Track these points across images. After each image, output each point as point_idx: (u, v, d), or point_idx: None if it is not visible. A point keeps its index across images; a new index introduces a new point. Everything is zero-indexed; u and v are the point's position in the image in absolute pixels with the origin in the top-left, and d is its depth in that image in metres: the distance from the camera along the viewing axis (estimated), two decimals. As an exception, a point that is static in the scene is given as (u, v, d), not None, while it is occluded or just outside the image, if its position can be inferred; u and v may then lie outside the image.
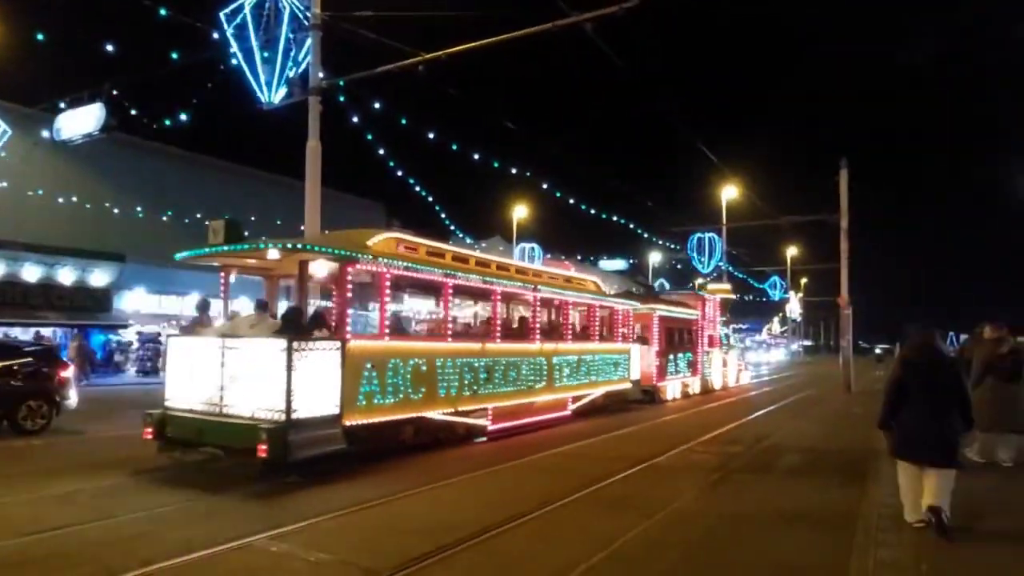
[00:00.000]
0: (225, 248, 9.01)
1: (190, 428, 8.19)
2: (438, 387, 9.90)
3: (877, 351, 62.22)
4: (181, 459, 8.41)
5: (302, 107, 13.79)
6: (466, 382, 10.50)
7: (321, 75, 13.67)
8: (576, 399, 14.06)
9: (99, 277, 26.58)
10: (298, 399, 7.57)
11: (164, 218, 28.07)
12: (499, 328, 11.62)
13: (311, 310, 9.59)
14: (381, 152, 21.05)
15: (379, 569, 4.78)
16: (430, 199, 28.23)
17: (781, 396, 22.22)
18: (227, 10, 14.03)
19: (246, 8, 13.88)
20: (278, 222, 30.14)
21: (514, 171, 23.55)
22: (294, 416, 7.51)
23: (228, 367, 8.00)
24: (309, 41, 13.64)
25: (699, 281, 31.76)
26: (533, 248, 45.75)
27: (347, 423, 8.22)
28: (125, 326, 27.11)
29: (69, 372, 12.36)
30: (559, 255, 55.63)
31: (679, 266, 51.10)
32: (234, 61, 14.09)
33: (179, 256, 10.06)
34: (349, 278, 8.78)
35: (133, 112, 18.34)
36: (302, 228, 14.06)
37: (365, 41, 13.13)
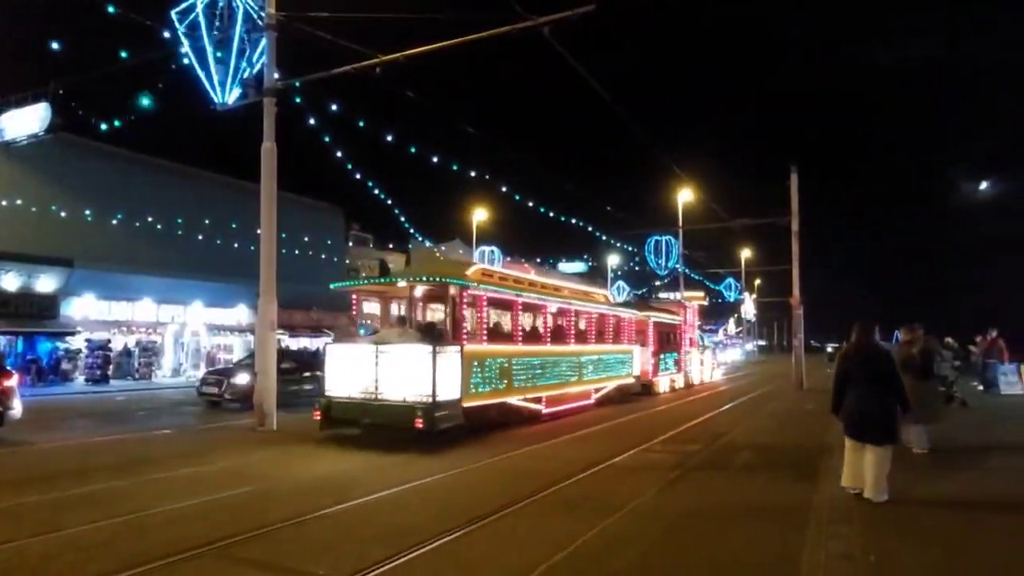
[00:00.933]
0: (381, 280, 14.07)
1: (352, 410, 11.29)
2: (513, 380, 13.01)
3: (828, 350, 63.91)
4: (340, 433, 11.44)
5: (257, 108, 13.55)
6: (529, 376, 13.59)
7: (276, 76, 13.47)
8: (597, 390, 17.18)
9: (45, 283, 25.69)
10: (438, 387, 10.55)
11: (114, 221, 27.24)
12: (548, 334, 14.75)
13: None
14: (339, 155, 20.84)
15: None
16: (389, 202, 28.05)
17: (739, 394, 22.73)
18: (178, 9, 13.72)
19: (198, 7, 13.60)
20: (233, 225, 29.62)
21: (473, 174, 23.59)
22: (437, 399, 10.50)
23: (381, 366, 10.99)
24: (264, 41, 13.44)
25: (673, 294, 34.34)
26: (493, 251, 45.75)
27: (464, 405, 11.25)
28: (73, 333, 26.23)
29: (13, 381, 11.90)
30: (519, 258, 55.83)
31: (636, 268, 51.72)
32: (186, 61, 13.80)
33: (334, 285, 13.76)
34: (464, 299, 11.97)
35: (80, 112, 17.80)
36: (258, 232, 13.81)
37: (322, 42, 13.01)
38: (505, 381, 12.64)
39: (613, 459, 9.49)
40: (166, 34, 13.77)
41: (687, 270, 41.57)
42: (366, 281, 14.82)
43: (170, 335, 30.23)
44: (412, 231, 37.69)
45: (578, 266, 65.12)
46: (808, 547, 5.29)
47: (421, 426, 10.39)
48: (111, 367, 26.12)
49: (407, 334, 11.98)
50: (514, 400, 13.20)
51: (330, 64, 13.47)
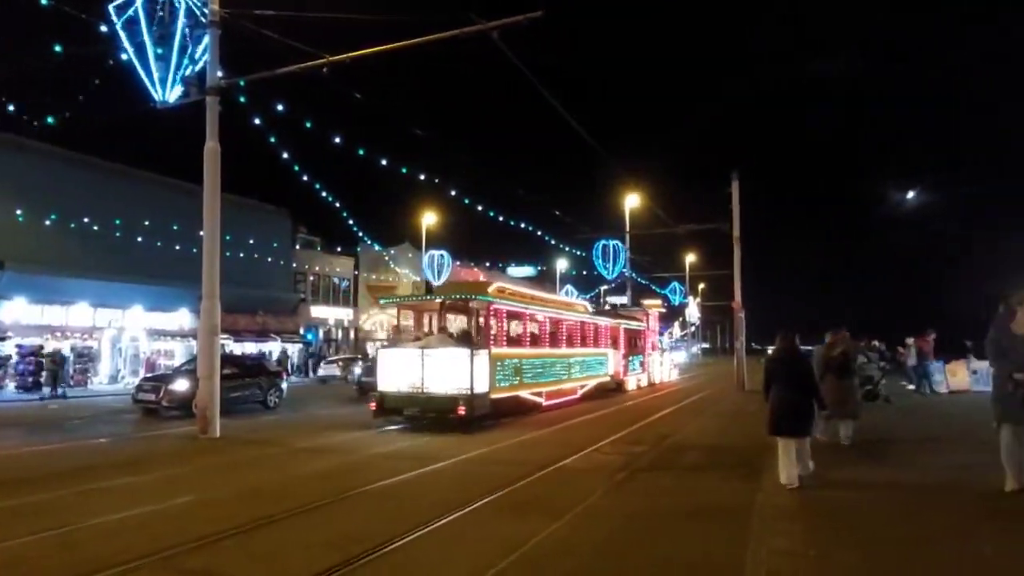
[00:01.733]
0: (428, 298, 16.92)
1: (401, 401, 14.00)
2: (524, 377, 15.80)
3: (769, 352, 65.57)
4: (391, 420, 14.32)
5: (200, 107, 13.21)
6: (534, 374, 16.43)
7: (220, 74, 13.16)
8: (582, 387, 20.04)
9: (-29, 286, 24.45)
10: (475, 382, 13.24)
11: (47, 223, 26.04)
12: (547, 340, 17.94)
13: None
14: (285, 156, 20.40)
15: None
16: (337, 205, 27.62)
17: (684, 396, 23.20)
18: (116, 3, 13.22)
19: (137, 2, 13.15)
20: (174, 227, 28.71)
21: (423, 177, 23.42)
22: (474, 391, 13.19)
23: (427, 365, 13.62)
24: (207, 39, 13.11)
25: (622, 299, 36.55)
26: (442, 255, 45.49)
27: (491, 397, 14.00)
28: (3, 339, 25.00)
29: None
30: (469, 262, 55.76)
31: (585, 272, 52.21)
32: (125, 57, 13.31)
33: (383, 301, 18.46)
34: (488, 312, 14.74)
35: (11, 109, 16.97)
36: (201, 234, 13.46)
37: (268, 41, 12.76)
38: (518, 378, 15.61)
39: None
40: (103, 28, 13.23)
41: (634, 275, 42.22)
42: (412, 298, 19.28)
43: (107, 340, 29.10)
44: (361, 234, 37.19)
45: (527, 270, 65.30)
46: (752, 544, 5.43)
47: (463, 413, 13.07)
48: (44, 374, 24.96)
49: (445, 340, 14.74)
50: (524, 394, 16.11)
51: (276, 63, 13.23)
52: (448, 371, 13.53)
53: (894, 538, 5.58)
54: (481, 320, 15.39)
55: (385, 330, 48.32)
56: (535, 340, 17.54)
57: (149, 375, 21.59)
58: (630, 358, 25.35)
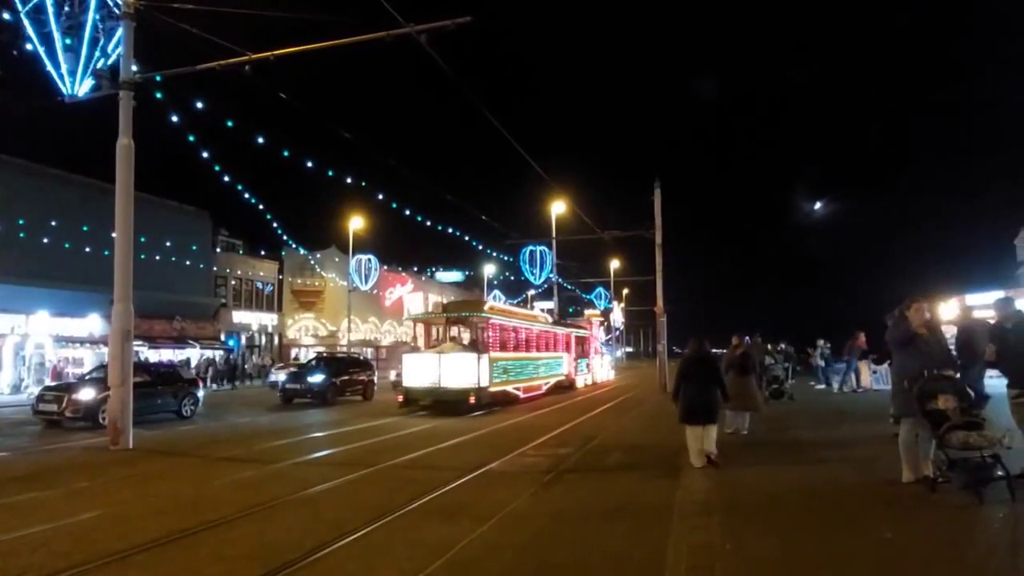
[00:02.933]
0: (440, 314, 21.54)
1: (423, 394, 18.37)
2: (509, 375, 20.61)
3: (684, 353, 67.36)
4: (414, 410, 18.31)
5: (113, 102, 12.58)
6: (516, 373, 21.30)
7: (134, 68, 12.59)
8: (545, 384, 24.40)
9: None
10: (476, 379, 17.73)
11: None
12: (523, 345, 22.63)
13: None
14: (205, 156, 19.72)
15: None
16: (260, 207, 26.89)
17: (609, 398, 23.73)
18: (21, -11, 12.50)
19: (44, -11, 12.46)
20: (84, 228, 27.29)
21: (349, 181, 23.11)
22: (480, 386, 17.71)
23: (443, 366, 18.07)
24: (120, 31, 12.53)
25: (548, 303, 40.40)
26: (370, 259, 44.94)
27: (490, 391, 18.57)
28: None
29: None
30: (396, 267, 55.22)
31: (512, 277, 52.53)
32: (30, 47, 12.57)
33: (407, 318, 29.40)
34: (484, 325, 19.67)
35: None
36: (113, 235, 12.83)
37: (187, 36, 12.30)
38: (507, 376, 20.41)
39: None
40: (6, 16, 12.45)
41: (561, 280, 42.77)
42: (428, 314, 25.07)
43: (9, 347, 27.31)
44: (285, 238, 36.32)
45: (455, 275, 65.18)
46: (672, 540, 5.60)
47: (473, 402, 17.77)
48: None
49: (456, 346, 19.49)
50: (510, 388, 20.86)
51: (197, 60, 12.76)
52: (460, 370, 18.06)
53: (805, 527, 5.87)
54: (480, 331, 19.94)
55: (310, 335, 47.24)
56: (516, 346, 21.97)
57: (50, 384, 20.36)
58: (579, 360, 29.85)
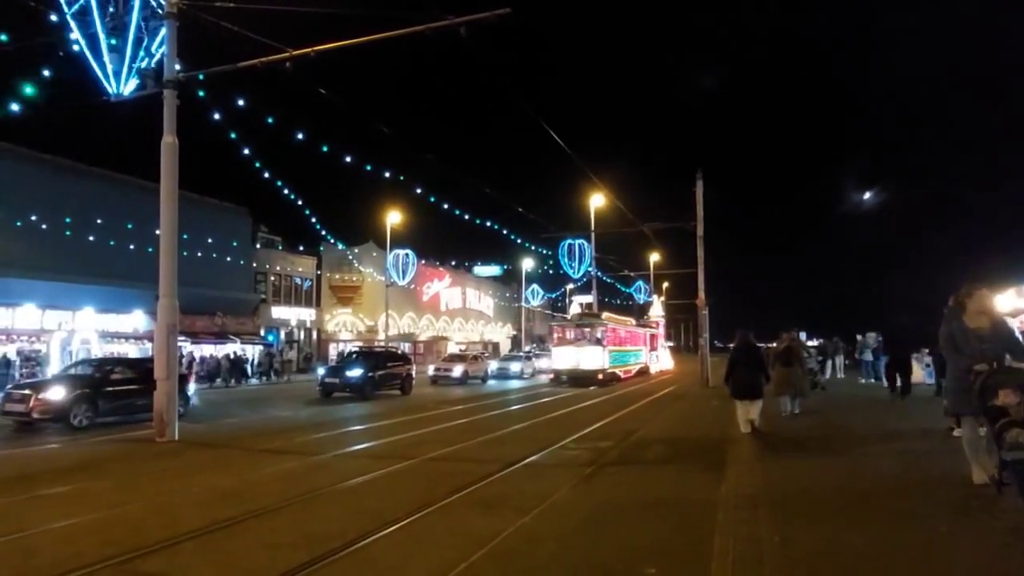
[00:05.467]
0: (576, 321, 31.81)
1: (567, 373, 28.69)
2: (617, 362, 30.53)
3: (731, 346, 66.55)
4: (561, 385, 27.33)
5: (157, 101, 12.82)
6: (620, 360, 31.28)
7: (178, 67, 12.79)
8: (635, 369, 34.54)
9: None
10: (602, 364, 28.35)
11: (-8, 221, 25.11)
12: (623, 341, 32.69)
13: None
14: (246, 153, 20.02)
15: None
16: (299, 203, 27.22)
17: (650, 392, 23.52)
18: (66, -9, 12.76)
19: (89, -9, 12.70)
20: (129, 226, 27.95)
21: (387, 175, 23.23)
22: (603, 367, 28.38)
23: (581, 353, 28.67)
24: (164, 30, 12.74)
25: (587, 297, 46.22)
26: (407, 254, 45.22)
27: (608, 371, 28.68)
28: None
29: None
30: (434, 261, 55.48)
31: (551, 271, 52.38)
32: (76, 48, 12.85)
33: (553, 323, 37.82)
34: (603, 327, 29.77)
35: (-47, 101, 16.25)
36: (157, 232, 13.08)
37: (229, 34, 12.46)
38: (616, 362, 30.07)
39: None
40: (53, 18, 12.74)
41: (599, 273, 42.55)
42: (566, 319, 35.46)
43: (57, 343, 28.15)
44: (324, 233, 36.71)
45: (493, 269, 65.22)
46: (718, 532, 5.48)
47: (600, 379, 27.18)
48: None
49: (585, 341, 28.94)
50: (618, 371, 30.37)
51: (238, 58, 12.91)
52: (590, 358, 28.24)
53: (855, 521, 5.68)
54: (600, 332, 29.10)
55: (349, 330, 47.79)
56: (619, 342, 31.81)
57: (18, 382, 18.71)
58: (651, 352, 39.92)
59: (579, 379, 27.06)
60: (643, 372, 35.85)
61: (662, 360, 43.54)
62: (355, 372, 22.69)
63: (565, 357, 28.96)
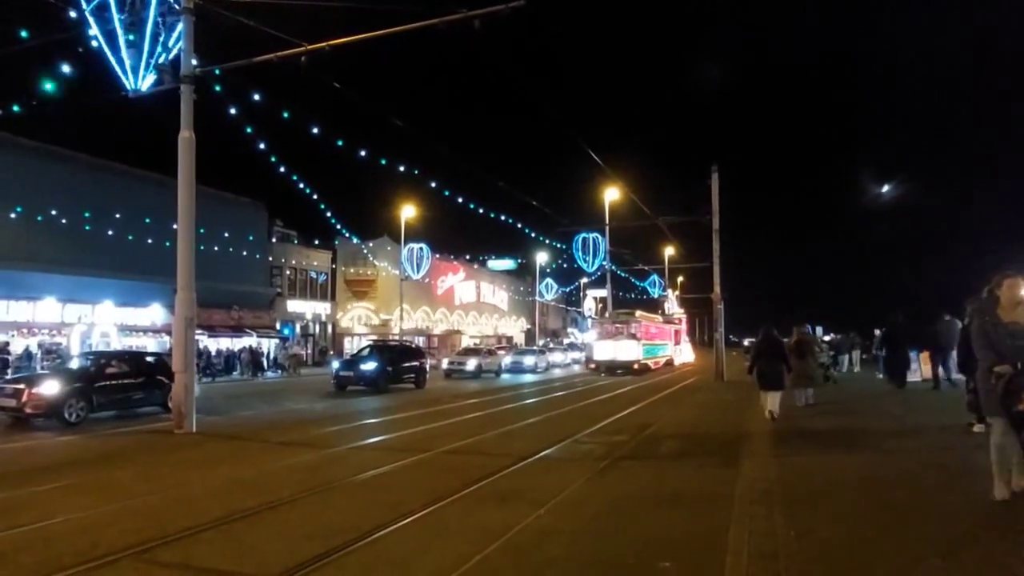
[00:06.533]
0: (616, 317, 36.09)
1: (605, 364, 32.88)
2: (649, 354, 34.70)
3: (746, 344, 66.34)
4: (601, 374, 31.57)
5: (174, 96, 12.92)
6: (651, 352, 35.45)
7: (194, 62, 12.88)
8: (662, 360, 38.09)
9: (-67, 280, 23.81)
10: (637, 356, 32.81)
11: (12, 215, 25.45)
12: (653, 336, 36.92)
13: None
14: (262, 147, 20.11)
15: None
16: (315, 198, 27.35)
17: (665, 386, 23.47)
18: (86, -13, 12.88)
19: (107, -13, 12.81)
20: (147, 220, 28.21)
21: (402, 169, 23.29)
22: (639, 359, 32.78)
23: (617, 346, 33.10)
24: (180, 26, 12.83)
25: (602, 290, 52.67)
26: (422, 248, 45.33)
27: (642, 362, 32.97)
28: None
29: None
30: (448, 255, 55.56)
31: (565, 265, 52.34)
32: (95, 43, 12.98)
33: (594, 319, 51.77)
34: (637, 324, 34.17)
35: (-26, 97, 16.49)
36: (175, 226, 13.20)
37: (244, 29, 12.53)
38: (648, 354, 33.49)
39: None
40: (72, 14, 12.87)
41: (614, 267, 42.45)
42: (602, 318, 40.04)
43: (77, 336, 28.52)
44: (339, 227, 36.85)
45: (507, 263, 65.21)
46: (733, 526, 5.46)
47: (636, 368, 31.84)
48: (10, 371, 24.34)
49: (622, 336, 33.17)
50: (649, 362, 33.68)
51: (253, 52, 12.98)
52: (627, 350, 32.32)
53: (871, 517, 5.63)
54: (634, 327, 33.31)
55: (363, 324, 48.03)
56: (651, 336, 35.42)
57: (9, 377, 18.08)
58: (676, 345, 44.11)
59: (616, 368, 31.74)
60: (669, 363, 39.63)
61: (684, 353, 47.80)
62: (370, 366, 22.80)
63: (604, 349, 33.21)
